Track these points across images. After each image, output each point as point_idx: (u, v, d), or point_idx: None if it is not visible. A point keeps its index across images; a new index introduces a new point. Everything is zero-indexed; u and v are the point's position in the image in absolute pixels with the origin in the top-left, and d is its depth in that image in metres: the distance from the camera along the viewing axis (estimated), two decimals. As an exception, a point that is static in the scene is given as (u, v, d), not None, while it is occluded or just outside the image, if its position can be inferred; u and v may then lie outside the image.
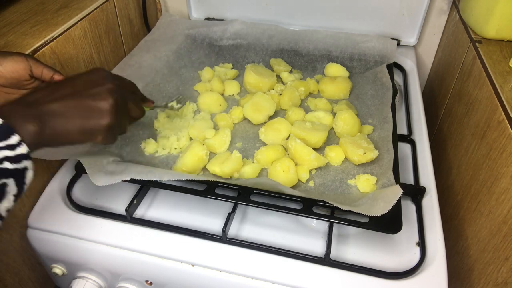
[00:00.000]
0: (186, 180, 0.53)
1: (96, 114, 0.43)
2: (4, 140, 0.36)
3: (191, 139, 0.66)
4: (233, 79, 0.82)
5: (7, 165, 0.36)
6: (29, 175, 0.39)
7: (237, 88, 0.78)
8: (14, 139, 0.37)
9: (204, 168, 0.62)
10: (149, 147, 0.64)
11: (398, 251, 0.54)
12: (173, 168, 0.61)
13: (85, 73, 0.47)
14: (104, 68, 0.47)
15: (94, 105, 0.43)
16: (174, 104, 0.68)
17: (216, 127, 0.69)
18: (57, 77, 0.56)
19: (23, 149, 0.37)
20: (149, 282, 0.57)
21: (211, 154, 0.64)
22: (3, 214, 0.37)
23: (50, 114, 0.41)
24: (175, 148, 0.65)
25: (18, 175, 0.38)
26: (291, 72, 0.83)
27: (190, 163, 0.59)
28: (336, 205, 0.50)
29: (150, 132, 0.68)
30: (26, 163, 0.38)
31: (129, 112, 0.50)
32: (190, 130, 0.66)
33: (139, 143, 0.65)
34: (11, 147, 0.37)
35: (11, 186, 0.37)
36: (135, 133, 0.66)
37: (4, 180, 0.36)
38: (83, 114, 0.43)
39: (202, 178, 0.53)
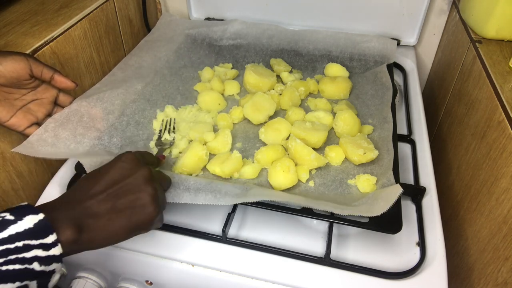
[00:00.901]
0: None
1: (140, 208, 0.41)
2: (41, 238, 0.33)
3: (190, 141, 0.66)
4: (233, 79, 0.82)
5: (35, 266, 0.33)
6: (54, 280, 0.35)
7: (237, 88, 0.79)
8: (50, 238, 0.34)
9: (204, 168, 0.62)
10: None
11: (398, 251, 0.54)
12: (173, 168, 0.61)
13: (113, 163, 0.44)
14: (131, 151, 0.46)
15: (136, 199, 0.41)
16: (166, 135, 0.66)
17: (216, 127, 0.69)
18: (57, 76, 0.56)
19: (56, 251, 0.34)
20: (149, 282, 0.57)
21: (211, 154, 0.64)
22: None
23: (91, 217, 0.38)
24: (170, 152, 0.64)
25: (43, 278, 0.34)
26: (291, 72, 0.83)
27: (190, 163, 0.59)
28: (336, 211, 0.49)
29: (149, 132, 0.68)
30: (55, 266, 0.34)
31: (162, 185, 0.47)
32: (190, 133, 0.66)
33: (139, 143, 0.65)
34: (45, 247, 0.33)
35: None
36: (135, 133, 0.66)
37: (26, 283, 0.32)
38: (126, 212, 0.40)
39: (201, 192, 0.52)
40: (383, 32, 0.89)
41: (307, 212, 0.52)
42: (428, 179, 0.62)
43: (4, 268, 0.31)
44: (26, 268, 0.32)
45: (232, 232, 0.56)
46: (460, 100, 0.73)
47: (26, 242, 0.32)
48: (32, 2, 0.73)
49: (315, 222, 0.57)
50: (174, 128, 0.67)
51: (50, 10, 0.71)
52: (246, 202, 0.52)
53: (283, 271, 0.51)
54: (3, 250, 0.31)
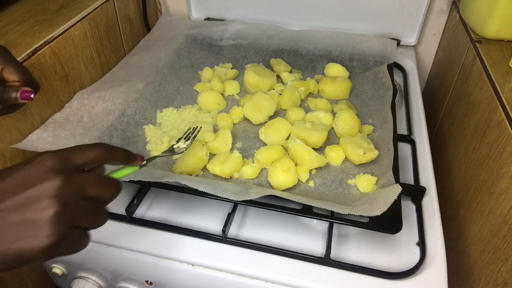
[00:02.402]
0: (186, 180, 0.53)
1: (29, 232, 0.29)
2: None
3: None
4: (233, 79, 0.82)
5: None
6: None
7: (237, 88, 0.79)
8: None
9: (204, 168, 0.62)
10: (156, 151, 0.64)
11: (398, 251, 0.54)
12: (173, 169, 0.61)
13: (21, 165, 0.32)
14: (50, 151, 0.33)
15: (26, 221, 0.29)
16: (181, 144, 0.56)
17: (216, 127, 0.69)
18: (5, 73, 0.45)
19: None
20: (149, 282, 0.57)
21: (211, 154, 0.64)
22: None
23: None
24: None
25: None
26: (291, 72, 0.83)
27: (190, 163, 0.59)
28: (336, 210, 0.50)
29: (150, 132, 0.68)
30: None
31: (98, 198, 0.34)
32: None
33: (139, 143, 0.65)
34: None
35: None
36: (135, 133, 0.66)
37: None
38: (11, 233, 0.29)
39: (201, 183, 0.52)
40: (383, 32, 0.89)
41: (307, 212, 0.52)
42: (428, 179, 0.62)
43: None
44: None
45: (232, 232, 0.56)
46: (460, 100, 0.73)
47: None
48: (32, 2, 0.73)
49: (315, 222, 0.57)
50: (194, 137, 0.58)
51: (50, 10, 0.71)
52: (247, 201, 0.52)
53: (283, 271, 0.51)
54: None
